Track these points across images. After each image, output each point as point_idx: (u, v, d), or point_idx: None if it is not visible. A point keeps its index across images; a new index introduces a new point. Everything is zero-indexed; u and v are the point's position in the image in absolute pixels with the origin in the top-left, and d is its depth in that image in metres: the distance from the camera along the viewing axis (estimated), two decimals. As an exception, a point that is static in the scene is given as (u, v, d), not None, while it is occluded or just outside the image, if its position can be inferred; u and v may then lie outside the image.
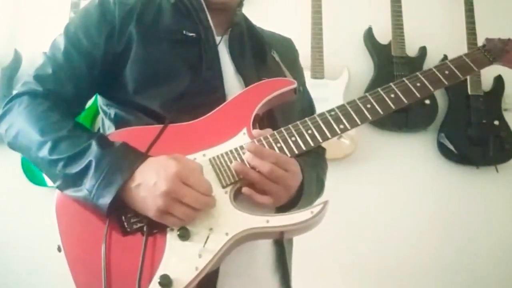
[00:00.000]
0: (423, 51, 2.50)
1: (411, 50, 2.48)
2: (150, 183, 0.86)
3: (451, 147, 2.42)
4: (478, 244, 2.41)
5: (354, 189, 2.38)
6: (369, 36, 2.51)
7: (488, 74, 2.45)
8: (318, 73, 2.37)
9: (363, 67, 2.50)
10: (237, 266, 0.97)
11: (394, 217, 2.39)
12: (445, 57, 2.49)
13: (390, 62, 2.44)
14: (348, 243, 2.34)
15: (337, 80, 2.42)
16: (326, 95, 2.33)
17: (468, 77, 2.43)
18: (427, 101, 2.39)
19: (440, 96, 2.47)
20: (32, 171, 2.22)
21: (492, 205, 2.45)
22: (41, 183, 2.21)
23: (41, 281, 2.07)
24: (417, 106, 2.32)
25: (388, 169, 2.43)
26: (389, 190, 2.42)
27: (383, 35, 2.49)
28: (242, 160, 0.94)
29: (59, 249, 0.91)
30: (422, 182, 2.45)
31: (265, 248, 1.06)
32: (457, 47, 2.47)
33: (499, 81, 2.48)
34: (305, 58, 2.34)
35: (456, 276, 2.37)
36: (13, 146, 1.01)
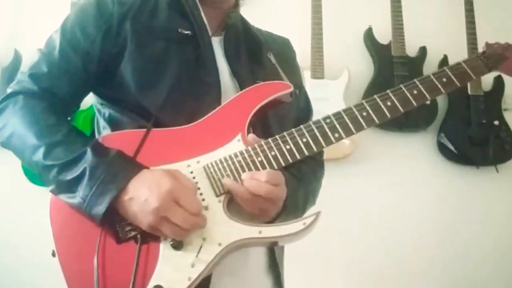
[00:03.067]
0: (423, 51, 2.50)
1: (411, 50, 2.48)
2: (141, 199, 0.85)
3: (451, 147, 2.42)
4: (478, 244, 2.41)
5: (354, 189, 2.38)
6: (369, 36, 2.51)
7: (488, 74, 2.44)
8: (318, 73, 2.37)
9: (363, 67, 2.50)
10: (230, 266, 0.96)
11: (394, 217, 2.39)
12: (445, 57, 2.50)
13: (390, 62, 2.44)
14: (348, 243, 2.34)
15: (337, 80, 2.42)
16: (326, 95, 2.33)
17: (468, 77, 2.43)
18: (427, 101, 2.38)
19: (440, 96, 2.45)
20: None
21: (492, 205, 2.45)
22: (41, 183, 2.20)
23: (42, 281, 2.07)
24: (417, 107, 2.33)
25: (388, 169, 2.43)
26: (389, 190, 2.41)
27: (383, 35, 2.49)
28: (236, 170, 0.93)
29: (53, 254, 0.91)
30: (422, 182, 2.45)
31: (258, 249, 1.06)
32: (457, 47, 2.48)
33: (499, 81, 2.48)
34: (305, 58, 2.34)
35: (456, 276, 2.37)
36: (6, 146, 1.00)
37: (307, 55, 2.36)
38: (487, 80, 2.47)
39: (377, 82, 2.44)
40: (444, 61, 2.50)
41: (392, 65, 2.43)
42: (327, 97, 2.32)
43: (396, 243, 2.37)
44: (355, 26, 2.55)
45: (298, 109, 1.19)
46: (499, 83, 2.48)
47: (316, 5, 2.44)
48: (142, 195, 0.86)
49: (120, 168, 0.89)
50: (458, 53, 2.46)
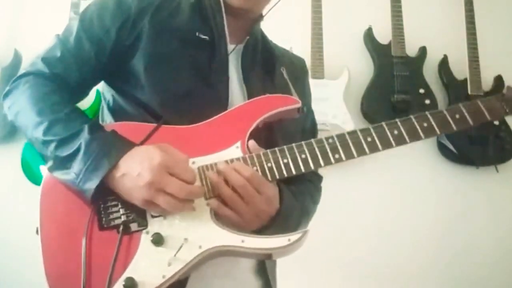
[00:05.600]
0: (423, 51, 2.50)
1: (411, 50, 2.48)
2: (134, 174, 0.86)
3: (451, 147, 2.42)
4: (478, 244, 2.40)
5: (353, 189, 2.38)
6: (369, 36, 2.51)
7: (488, 74, 2.46)
8: (318, 73, 2.37)
9: (363, 67, 2.50)
10: (218, 268, 0.96)
11: (394, 217, 2.39)
12: (445, 57, 2.50)
13: (390, 62, 2.44)
14: (348, 243, 2.34)
15: (337, 80, 2.42)
16: (326, 95, 2.33)
17: (468, 77, 2.43)
18: (427, 101, 2.39)
19: (440, 96, 2.47)
20: (32, 171, 2.22)
21: (492, 205, 2.45)
22: (41, 183, 2.21)
23: (42, 280, 2.07)
24: (418, 107, 2.33)
25: (388, 169, 2.43)
26: (389, 190, 2.41)
27: (383, 35, 2.49)
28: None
29: (37, 231, 0.91)
30: (422, 182, 2.45)
31: None
32: (457, 47, 2.48)
33: (499, 81, 2.48)
34: (305, 58, 2.33)
35: (456, 276, 2.37)
36: (15, 123, 1.02)
37: (307, 55, 2.36)
38: (487, 80, 2.47)
39: (377, 82, 2.44)
40: (444, 61, 2.50)
41: (392, 65, 2.43)
42: (327, 97, 2.32)
43: (395, 243, 2.37)
44: (355, 26, 2.55)
45: (304, 130, 1.19)
46: (499, 83, 2.48)
47: (316, 5, 2.44)
48: (135, 170, 0.86)
49: (114, 144, 0.91)
50: (458, 53, 2.47)
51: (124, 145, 0.91)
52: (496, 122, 2.40)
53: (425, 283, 2.36)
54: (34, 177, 2.24)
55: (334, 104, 2.34)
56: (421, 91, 2.40)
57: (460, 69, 2.47)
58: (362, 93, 2.43)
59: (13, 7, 2.55)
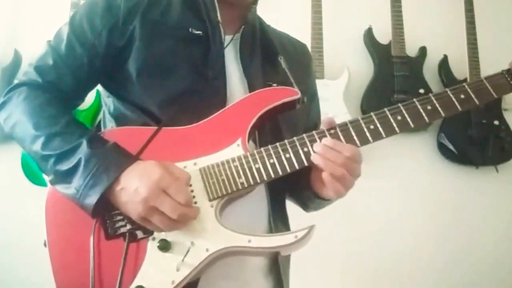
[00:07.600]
0: (423, 51, 2.50)
1: (411, 50, 2.48)
2: (131, 189, 0.86)
3: (451, 147, 2.42)
4: (478, 244, 2.41)
5: (353, 189, 2.37)
6: (369, 36, 2.51)
7: (488, 74, 2.45)
8: (318, 73, 2.37)
9: (363, 67, 2.50)
10: (226, 269, 0.96)
11: (394, 217, 2.39)
12: (445, 57, 2.50)
13: (390, 62, 2.44)
14: (347, 243, 2.34)
15: (337, 80, 2.42)
16: (326, 95, 2.33)
17: (467, 77, 2.43)
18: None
19: (440, 96, 2.47)
20: (32, 171, 2.22)
21: (492, 205, 2.45)
22: (41, 183, 2.21)
23: (43, 281, 2.07)
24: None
25: (388, 169, 2.43)
26: (389, 190, 2.41)
27: (383, 35, 2.49)
28: (232, 175, 0.92)
29: (45, 244, 0.92)
30: (422, 182, 2.45)
31: None
32: (457, 47, 2.48)
33: (499, 81, 2.48)
34: (305, 58, 2.34)
35: (456, 276, 2.37)
36: (10, 136, 1.01)
37: (307, 55, 2.36)
38: (487, 80, 2.47)
39: (377, 82, 2.44)
40: (444, 61, 2.50)
41: (392, 65, 2.43)
42: (327, 97, 2.32)
43: (395, 243, 2.37)
44: (355, 26, 2.55)
45: (309, 117, 1.17)
46: (499, 83, 2.47)
47: (316, 5, 2.44)
48: (133, 185, 0.86)
49: (114, 159, 0.90)
50: (458, 53, 2.47)
51: (124, 160, 0.90)
52: (496, 122, 2.40)
53: (424, 282, 2.36)
54: (34, 177, 2.23)
55: (334, 104, 2.34)
56: (421, 91, 2.40)
57: (460, 69, 2.47)
58: (362, 93, 2.43)
59: (13, 7, 2.55)
